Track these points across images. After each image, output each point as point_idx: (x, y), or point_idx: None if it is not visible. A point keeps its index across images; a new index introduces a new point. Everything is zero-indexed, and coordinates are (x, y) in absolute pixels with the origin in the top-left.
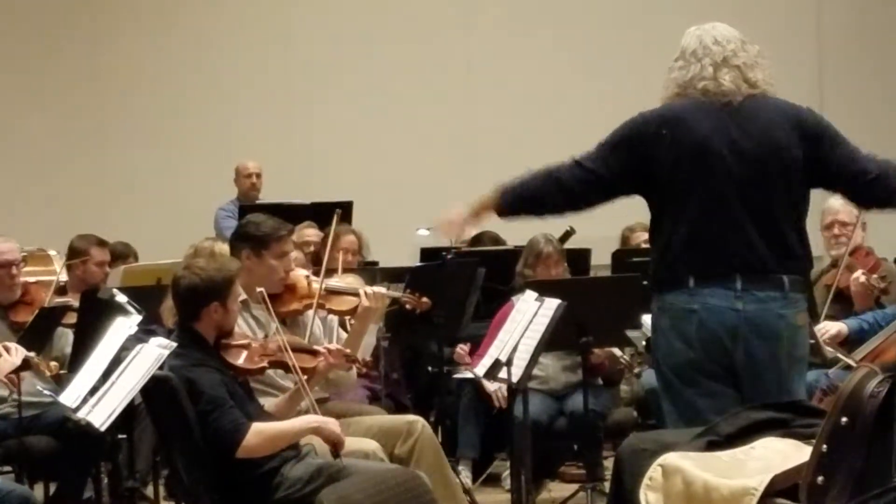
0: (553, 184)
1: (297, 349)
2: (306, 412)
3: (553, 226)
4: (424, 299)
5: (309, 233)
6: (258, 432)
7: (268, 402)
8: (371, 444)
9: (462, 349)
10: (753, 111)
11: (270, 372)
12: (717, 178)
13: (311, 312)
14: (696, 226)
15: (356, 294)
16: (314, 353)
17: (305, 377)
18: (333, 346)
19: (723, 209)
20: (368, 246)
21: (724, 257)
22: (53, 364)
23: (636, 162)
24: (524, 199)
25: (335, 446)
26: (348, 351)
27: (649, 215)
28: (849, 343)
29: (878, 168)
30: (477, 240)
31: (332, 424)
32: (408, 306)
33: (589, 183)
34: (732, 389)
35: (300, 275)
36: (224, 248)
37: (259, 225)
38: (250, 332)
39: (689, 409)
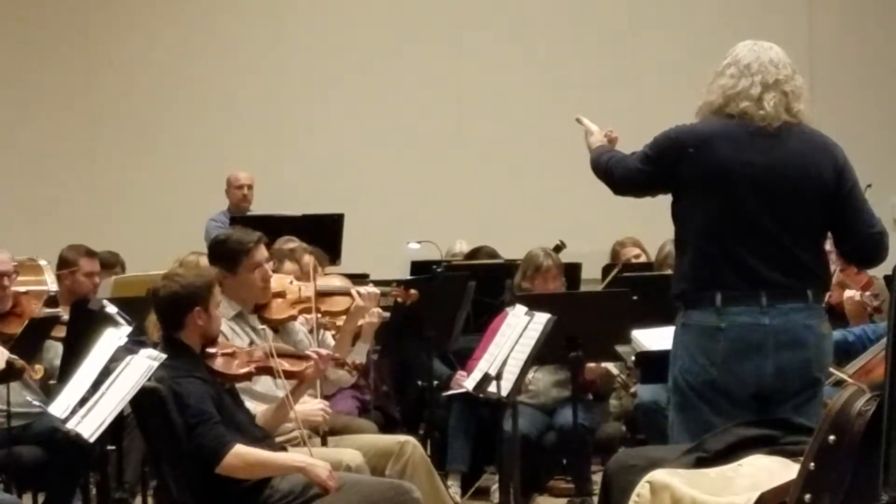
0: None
1: (285, 355)
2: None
3: (544, 239)
4: (412, 291)
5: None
6: (240, 455)
7: (258, 411)
8: (356, 458)
9: (462, 375)
10: (788, 137)
11: (266, 383)
12: (745, 198)
13: (306, 318)
14: (723, 244)
15: (348, 294)
16: (302, 358)
17: (294, 382)
18: (322, 350)
19: (750, 229)
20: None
21: (750, 275)
22: (38, 367)
23: (665, 174)
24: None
25: (324, 490)
26: (337, 355)
27: (668, 224)
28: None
29: (878, 227)
30: (474, 254)
31: (319, 468)
32: (399, 299)
33: (631, 180)
34: (749, 414)
35: (285, 280)
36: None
37: (224, 243)
38: (247, 344)
39: (701, 425)
